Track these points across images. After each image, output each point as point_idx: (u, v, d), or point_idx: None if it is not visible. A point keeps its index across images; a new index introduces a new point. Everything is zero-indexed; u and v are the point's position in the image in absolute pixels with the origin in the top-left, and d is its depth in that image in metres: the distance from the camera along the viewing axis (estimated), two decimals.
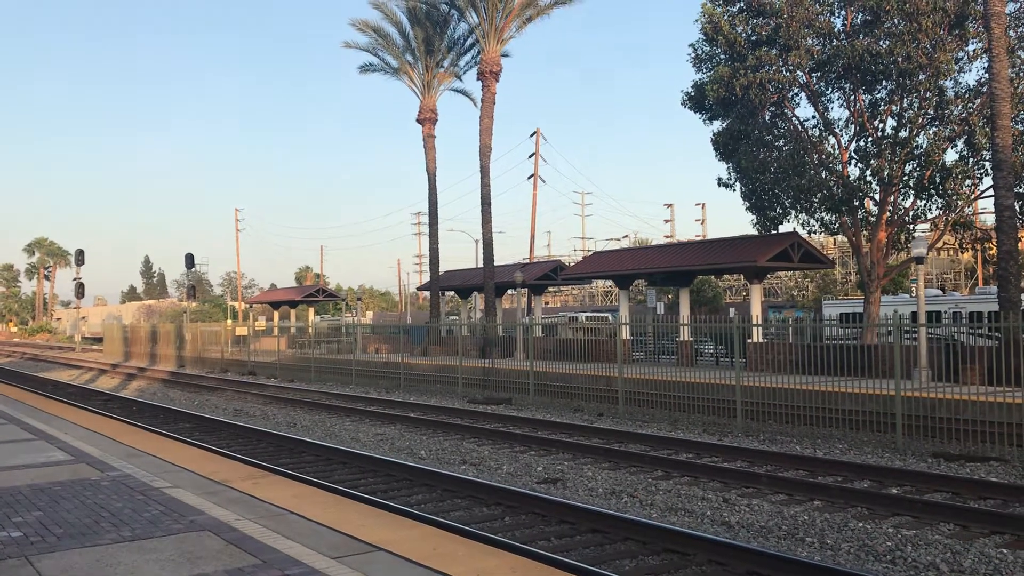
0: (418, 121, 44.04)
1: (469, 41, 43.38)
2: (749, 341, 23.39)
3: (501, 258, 41.70)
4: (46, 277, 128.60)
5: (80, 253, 61.08)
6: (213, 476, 10.21)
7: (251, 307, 78.36)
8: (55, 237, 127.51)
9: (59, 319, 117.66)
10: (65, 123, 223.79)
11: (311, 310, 57.34)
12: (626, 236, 76.34)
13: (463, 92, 46.08)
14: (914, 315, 26.87)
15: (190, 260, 55.58)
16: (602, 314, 50.76)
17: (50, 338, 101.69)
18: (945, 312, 31.08)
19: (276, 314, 57.50)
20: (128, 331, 60.20)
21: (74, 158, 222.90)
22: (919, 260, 21.82)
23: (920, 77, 24.18)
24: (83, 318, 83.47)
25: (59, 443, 12.54)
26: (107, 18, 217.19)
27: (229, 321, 61.29)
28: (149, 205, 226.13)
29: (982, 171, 25.53)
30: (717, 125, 28.75)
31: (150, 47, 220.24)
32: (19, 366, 49.79)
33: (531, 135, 58.21)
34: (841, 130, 27.27)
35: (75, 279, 61.26)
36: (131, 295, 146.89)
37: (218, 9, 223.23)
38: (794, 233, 27.46)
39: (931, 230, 28.75)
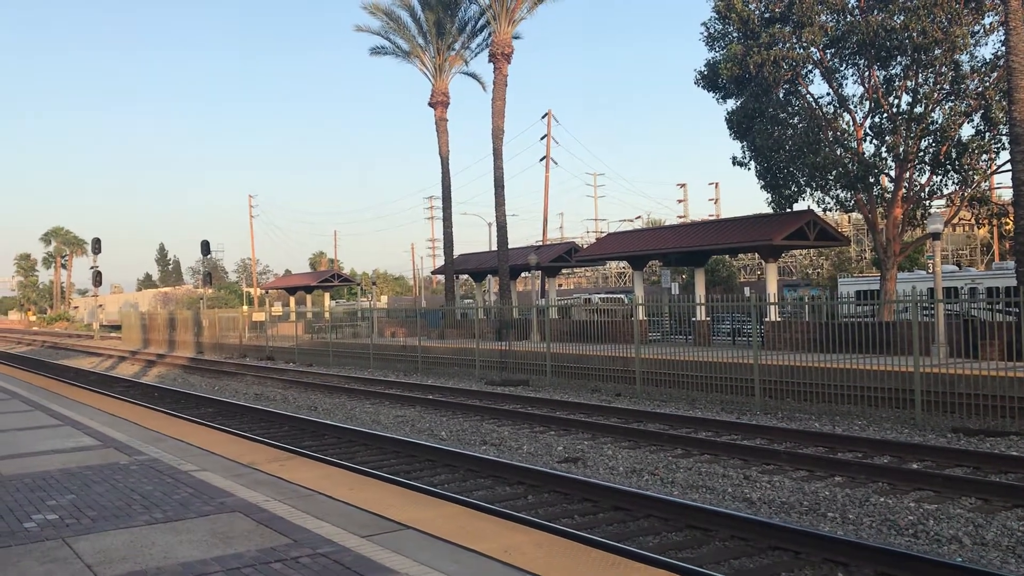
0: (430, 105, 44.03)
1: (480, 23, 43.30)
2: (765, 320, 23.40)
3: (514, 240, 41.79)
4: (63, 266, 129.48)
5: (96, 242, 61.56)
6: (239, 459, 10.35)
7: (267, 293, 78.76)
8: (71, 226, 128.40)
9: (76, 307, 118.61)
10: (78, 112, 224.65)
11: (326, 295, 57.59)
12: (639, 217, 76.28)
13: (474, 76, 46.05)
14: (931, 291, 26.82)
15: (206, 247, 55.91)
16: (616, 295, 50.79)
17: (68, 326, 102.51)
18: (962, 288, 30.99)
19: (292, 299, 57.77)
20: (146, 318, 60.65)
21: (88, 147, 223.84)
22: (935, 236, 21.74)
23: (936, 52, 24.00)
24: (100, 306, 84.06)
25: (86, 428, 12.71)
26: (116, 25, 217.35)
27: (245, 307, 61.60)
28: (164, 192, 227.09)
29: (999, 145, 25.37)
30: (731, 104, 28.63)
31: (164, 35, 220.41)
32: (40, 354, 50.28)
33: (543, 117, 58.14)
34: (856, 107, 27.14)
35: (92, 267, 61.78)
36: (147, 282, 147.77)
37: None
38: (810, 211, 27.39)
39: (947, 206, 28.60)
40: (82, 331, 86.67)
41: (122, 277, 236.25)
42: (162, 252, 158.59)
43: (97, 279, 61.82)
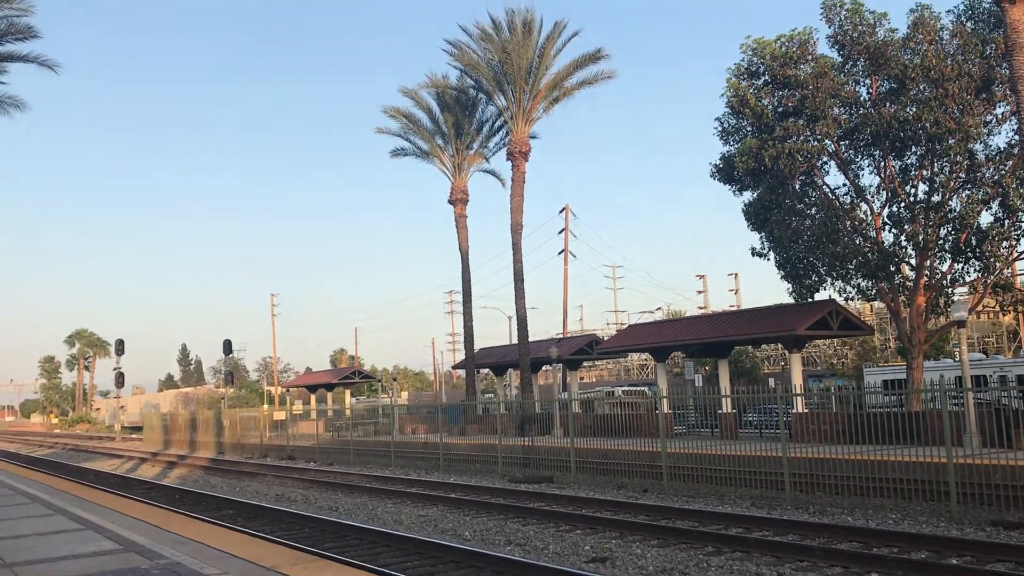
0: (450, 202, 44.70)
1: (498, 122, 44.28)
2: (792, 411, 23.09)
3: (534, 333, 41.72)
4: (86, 368, 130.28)
5: (120, 343, 62.11)
6: (261, 561, 10.18)
7: (287, 391, 78.74)
8: (94, 328, 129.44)
9: (98, 409, 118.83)
10: (99, 215, 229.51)
11: (347, 392, 57.47)
12: (659, 308, 76.18)
13: (492, 173, 46.86)
14: (959, 380, 26.43)
15: (227, 346, 56.23)
16: (639, 388, 50.40)
17: (90, 428, 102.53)
18: (990, 376, 30.55)
19: (313, 397, 57.68)
20: (167, 419, 60.58)
21: (111, 250, 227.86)
22: (960, 324, 21.55)
23: (950, 141, 24.23)
24: (122, 407, 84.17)
25: (107, 532, 12.57)
26: (138, 119, 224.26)
27: (266, 406, 61.55)
28: (186, 293, 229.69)
29: (1019, 232, 25.32)
30: (747, 195, 28.88)
31: (183, 136, 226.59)
32: (61, 456, 50.15)
33: (560, 211, 58.80)
34: (873, 196, 27.29)
35: (115, 369, 62.18)
36: (168, 383, 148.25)
37: (244, 91, 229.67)
38: (832, 301, 27.29)
39: (970, 293, 28.42)
40: (103, 433, 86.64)
41: (144, 378, 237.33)
42: (184, 352, 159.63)
43: (120, 380, 62.14)
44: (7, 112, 30.06)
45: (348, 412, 46.44)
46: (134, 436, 71.49)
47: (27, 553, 10.82)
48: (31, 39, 28.18)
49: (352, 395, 63.26)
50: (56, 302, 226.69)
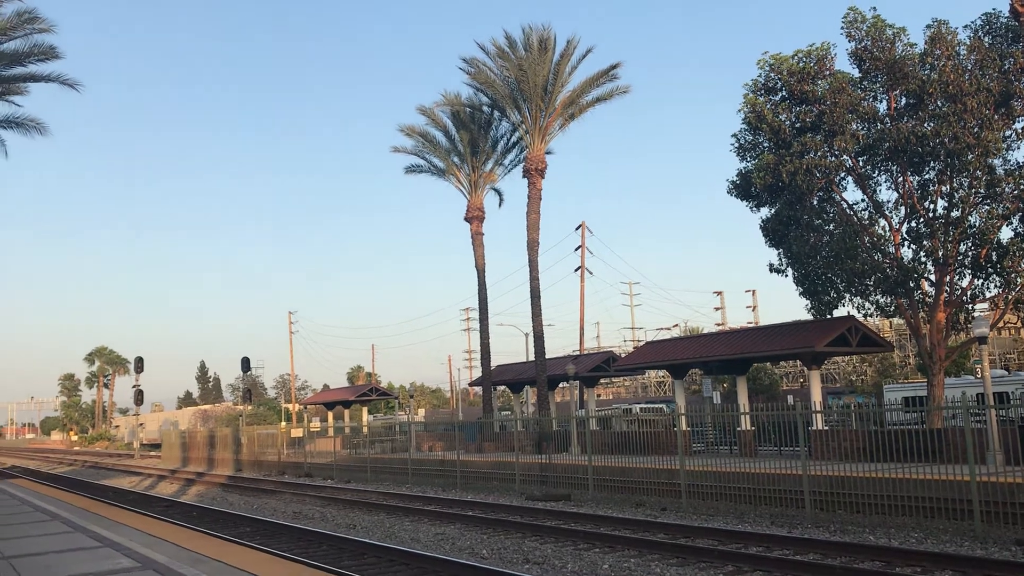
0: (466, 219, 44.81)
1: (513, 139, 44.42)
2: (811, 428, 22.91)
3: (551, 350, 41.71)
4: (105, 385, 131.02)
5: (139, 361, 62.50)
6: None
7: (305, 408, 78.79)
8: (114, 345, 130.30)
9: (117, 426, 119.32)
10: (120, 235, 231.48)
11: (364, 409, 57.48)
12: (676, 325, 75.82)
13: (498, 192, 47.02)
14: (980, 397, 26.17)
15: (246, 364, 56.46)
16: (657, 405, 50.13)
17: (109, 446, 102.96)
18: (1013, 392, 30.18)
19: (330, 414, 57.72)
20: (186, 436, 60.79)
21: (130, 268, 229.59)
22: (982, 340, 21.35)
23: (968, 157, 24.06)
24: (141, 424, 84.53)
25: (125, 550, 12.59)
26: (158, 140, 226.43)
27: (284, 423, 61.64)
28: (205, 311, 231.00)
29: None
30: (765, 212, 28.77)
31: (203, 156, 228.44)
32: (81, 474, 50.36)
33: (576, 228, 58.75)
34: (891, 212, 27.12)
35: (134, 386, 62.55)
36: (187, 400, 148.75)
37: (259, 109, 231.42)
38: (850, 317, 27.11)
39: (991, 309, 28.17)
40: (123, 450, 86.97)
41: (163, 395, 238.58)
42: (203, 370, 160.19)
43: (139, 398, 62.48)
44: (29, 134, 30.38)
45: (365, 429, 46.44)
46: (153, 453, 71.76)
47: (46, 571, 10.85)
48: (53, 59, 28.46)
49: (369, 412, 63.29)
50: (76, 320, 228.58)
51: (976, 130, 23.78)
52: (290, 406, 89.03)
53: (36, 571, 10.85)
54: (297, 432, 48.15)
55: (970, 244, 25.29)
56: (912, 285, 26.05)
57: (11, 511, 19.73)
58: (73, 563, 11.45)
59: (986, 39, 24.71)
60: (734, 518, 19.58)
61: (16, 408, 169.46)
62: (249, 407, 74.78)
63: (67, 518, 17.71)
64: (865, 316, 28.02)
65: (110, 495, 31.65)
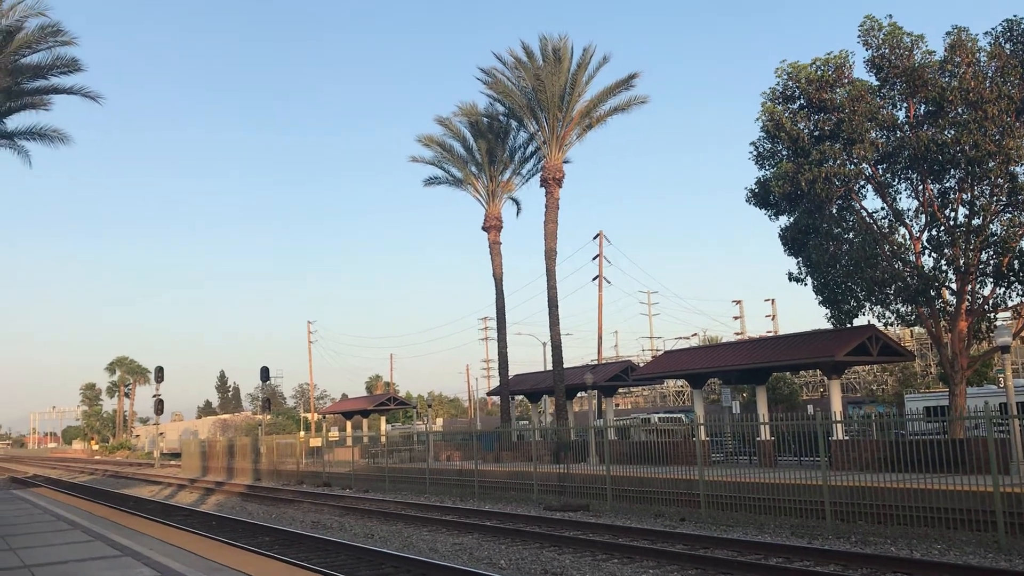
0: (483, 229, 44.89)
1: (530, 149, 44.49)
2: (831, 438, 22.73)
3: (569, 360, 41.67)
4: (126, 395, 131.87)
5: (160, 370, 62.81)
6: None
7: (324, 418, 79.05)
8: (135, 355, 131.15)
9: (138, 436, 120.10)
10: (140, 245, 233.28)
11: (383, 419, 57.59)
12: (695, 334, 75.56)
13: (515, 201, 47.08)
14: (1003, 406, 25.89)
15: (265, 373, 56.63)
16: (675, 415, 49.91)
17: (129, 455, 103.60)
18: None
19: (349, 424, 57.86)
20: (205, 446, 61.05)
21: (151, 277, 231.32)
22: (1004, 349, 21.14)
23: (990, 164, 23.87)
24: (161, 434, 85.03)
25: (144, 559, 12.65)
26: (177, 152, 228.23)
27: (302, 433, 61.84)
28: (225, 321, 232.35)
29: None
30: (784, 220, 28.63)
31: (221, 165, 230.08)
32: (101, 483, 50.66)
33: (594, 237, 58.72)
34: (912, 220, 26.91)
35: (155, 395, 62.87)
36: (207, 410, 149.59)
37: (277, 116, 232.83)
38: (871, 326, 26.91)
39: (1014, 318, 27.88)
40: (143, 459, 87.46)
41: (183, 405, 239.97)
42: (222, 379, 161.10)
43: (159, 407, 62.80)
44: (52, 144, 30.70)
45: (384, 439, 46.53)
46: (173, 463, 72.11)
47: None
48: (75, 71, 28.77)
49: (387, 422, 63.40)
50: (97, 330, 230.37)
51: (997, 137, 23.59)
52: (309, 415, 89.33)
53: None
54: (316, 441, 48.32)
55: (992, 252, 25.05)
56: (933, 294, 25.84)
57: (33, 520, 19.88)
58: (93, 572, 11.52)
59: (1007, 46, 24.52)
60: (754, 529, 19.44)
61: (38, 418, 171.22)
62: (268, 416, 75.09)
63: (88, 527, 17.82)
64: (886, 325, 27.82)
65: (130, 504, 31.82)
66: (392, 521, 24.27)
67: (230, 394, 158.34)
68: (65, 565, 12.26)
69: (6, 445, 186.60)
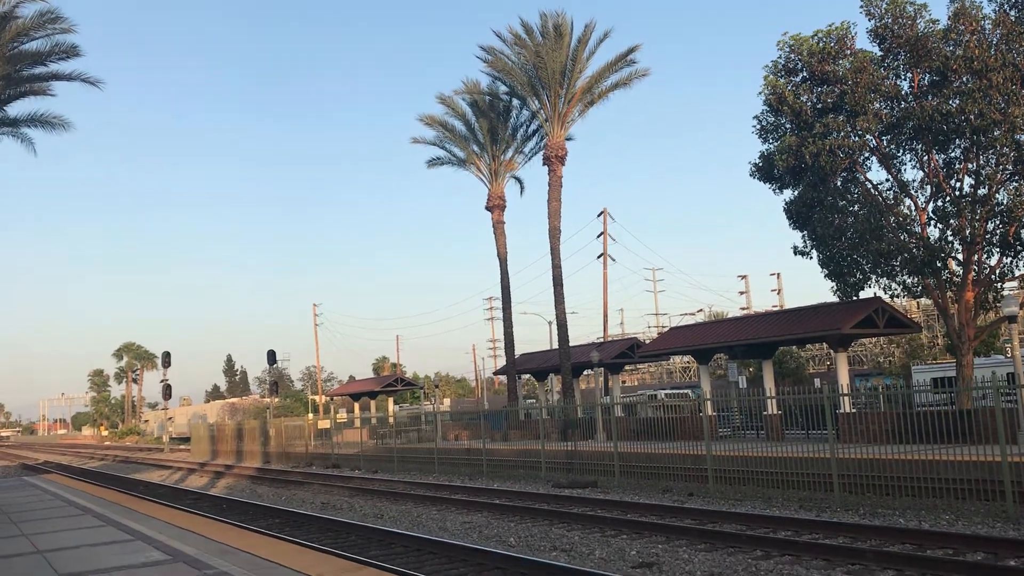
0: (487, 208, 44.78)
1: (532, 127, 44.29)
2: (839, 411, 22.72)
3: (575, 338, 41.64)
4: (134, 380, 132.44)
5: (167, 355, 63.07)
6: (307, 570, 10.23)
7: (331, 400, 79.30)
8: (141, 341, 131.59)
9: (147, 421, 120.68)
10: (144, 231, 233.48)
11: (390, 400, 57.76)
12: (700, 310, 75.45)
13: (527, 179, 46.92)
14: (1011, 376, 25.85)
15: (272, 357, 56.78)
16: (682, 391, 49.99)
17: (139, 440, 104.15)
18: None
19: (356, 405, 58.03)
20: (214, 430, 61.34)
21: (155, 264, 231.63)
22: (1011, 319, 21.08)
23: (995, 133, 23.69)
24: (170, 419, 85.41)
25: (155, 543, 12.72)
26: (178, 132, 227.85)
27: (311, 415, 62.04)
28: (230, 306, 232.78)
29: None
30: (788, 194, 28.51)
31: (221, 146, 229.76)
32: (111, 468, 50.97)
33: (598, 215, 58.52)
34: (917, 191, 26.77)
35: (162, 381, 63.16)
36: (215, 394, 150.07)
37: (281, 98, 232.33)
38: (877, 298, 26.85)
39: (1020, 287, 27.78)
40: (152, 444, 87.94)
41: (191, 389, 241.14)
42: (229, 363, 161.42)
43: (167, 392, 63.09)
44: (54, 131, 30.62)
45: (391, 420, 46.68)
46: (182, 447, 72.49)
47: (78, 564, 10.98)
48: (74, 57, 28.64)
49: (395, 403, 63.60)
50: (104, 316, 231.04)
51: (1003, 106, 23.41)
52: (317, 398, 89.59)
53: (70, 564, 10.98)
54: (324, 423, 48.47)
55: (998, 222, 24.93)
56: (939, 265, 25.74)
57: (45, 506, 20.01)
58: (106, 556, 11.58)
59: (1012, 12, 24.26)
60: (762, 503, 19.48)
61: (48, 404, 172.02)
62: (276, 399, 75.36)
63: (99, 512, 17.92)
64: (892, 297, 27.75)
65: (140, 489, 32.01)
66: (401, 501, 24.39)
67: (237, 378, 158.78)
68: (77, 550, 12.33)
69: (16, 432, 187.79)
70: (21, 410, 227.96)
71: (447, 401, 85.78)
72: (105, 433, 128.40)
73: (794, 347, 51.81)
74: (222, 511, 23.60)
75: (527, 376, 50.45)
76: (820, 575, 11.82)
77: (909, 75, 25.99)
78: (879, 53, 25.98)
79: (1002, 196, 24.84)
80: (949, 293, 26.30)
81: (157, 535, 13.62)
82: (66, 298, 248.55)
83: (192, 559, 11.04)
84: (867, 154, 26.88)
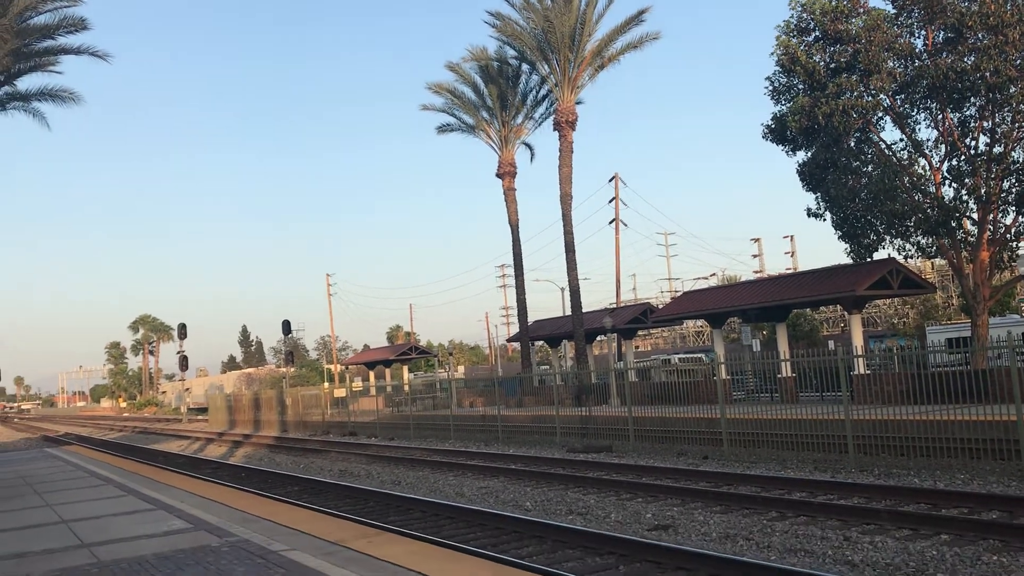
0: (498, 175, 44.65)
1: (542, 92, 44.00)
2: (853, 373, 22.72)
3: (588, 304, 41.69)
4: (150, 352, 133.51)
5: (182, 327, 63.44)
6: (327, 536, 10.36)
7: (346, 369, 79.77)
8: (157, 313, 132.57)
9: (164, 392, 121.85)
10: (159, 204, 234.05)
11: (405, 368, 58.08)
12: (713, 274, 75.38)
13: (537, 145, 46.68)
14: None
15: (287, 327, 57.04)
16: (696, 355, 50.05)
17: (157, 411, 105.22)
18: None
19: (371, 374, 58.39)
20: (231, 400, 61.88)
21: (172, 236, 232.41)
22: None
23: (1011, 90, 23.39)
24: (187, 389, 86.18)
25: (176, 511, 12.90)
26: (191, 107, 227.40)
27: (326, 384, 62.46)
28: (245, 276, 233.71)
29: None
30: (801, 155, 28.28)
31: (234, 119, 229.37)
32: (131, 439, 51.57)
33: (610, 180, 58.28)
34: (931, 151, 26.52)
35: (178, 352, 63.59)
36: (231, 364, 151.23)
37: (293, 74, 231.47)
38: (891, 259, 26.72)
39: None
40: (170, 415, 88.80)
41: (207, 360, 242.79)
42: (245, 334, 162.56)
43: (183, 363, 63.56)
44: (64, 105, 30.65)
45: (407, 387, 46.98)
46: (200, 417, 73.19)
47: (103, 533, 11.15)
48: (82, 31, 28.57)
49: (410, 371, 63.95)
50: (119, 289, 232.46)
51: (1019, 62, 23.10)
52: (332, 367, 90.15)
53: (94, 533, 11.16)
54: (340, 392, 48.83)
55: (1014, 180, 24.69)
56: (954, 224, 25.56)
57: (67, 476, 20.29)
58: (128, 525, 11.76)
59: None
60: (776, 465, 19.57)
61: (67, 377, 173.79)
62: (292, 369, 75.84)
63: (120, 482, 18.17)
64: (906, 258, 27.60)
65: (160, 459, 32.40)
66: (418, 467, 24.60)
67: (253, 348, 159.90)
68: (101, 519, 12.52)
69: (37, 405, 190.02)
70: (41, 383, 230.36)
71: (461, 368, 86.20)
72: (123, 405, 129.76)
73: (808, 310, 51.72)
74: (241, 480, 23.88)
75: (540, 343, 50.60)
76: (835, 535, 11.89)
77: (923, 32, 25.65)
78: (892, 11, 25.62)
79: (1018, 154, 24.59)
80: (964, 253, 26.14)
81: (178, 504, 13.80)
82: (82, 272, 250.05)
83: (214, 527, 11.20)
84: (881, 114, 26.60)
